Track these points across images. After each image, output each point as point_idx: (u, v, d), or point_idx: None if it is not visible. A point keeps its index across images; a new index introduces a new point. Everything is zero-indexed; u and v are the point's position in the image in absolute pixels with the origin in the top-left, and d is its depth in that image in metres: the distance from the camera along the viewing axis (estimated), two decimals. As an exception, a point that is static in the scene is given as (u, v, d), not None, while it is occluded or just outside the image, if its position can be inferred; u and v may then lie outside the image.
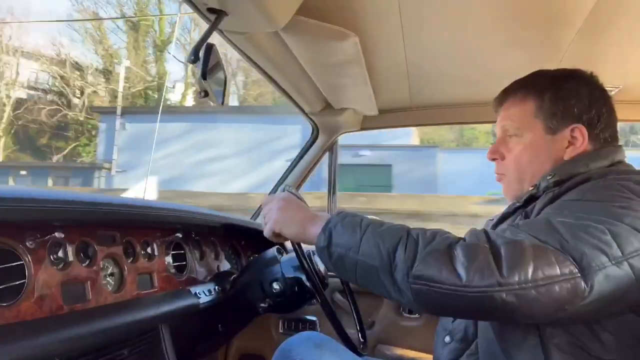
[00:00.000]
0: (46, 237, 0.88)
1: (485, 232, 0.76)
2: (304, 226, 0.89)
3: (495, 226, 1.02)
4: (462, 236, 0.78)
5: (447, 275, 0.71)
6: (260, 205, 1.98)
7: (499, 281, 0.68)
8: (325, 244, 0.83)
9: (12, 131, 18.59)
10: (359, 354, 1.11)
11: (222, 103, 1.10)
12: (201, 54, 0.96)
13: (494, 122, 1.09)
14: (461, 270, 0.70)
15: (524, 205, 0.95)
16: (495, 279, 0.68)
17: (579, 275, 0.69)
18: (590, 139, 0.93)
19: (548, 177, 0.90)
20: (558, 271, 0.69)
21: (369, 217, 0.86)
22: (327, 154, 1.97)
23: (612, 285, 0.70)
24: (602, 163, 0.90)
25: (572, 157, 0.93)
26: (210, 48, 0.97)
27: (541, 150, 0.96)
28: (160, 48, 20.00)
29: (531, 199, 0.93)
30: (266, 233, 0.95)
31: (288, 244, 1.48)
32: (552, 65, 1.04)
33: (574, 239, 0.71)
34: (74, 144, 19.35)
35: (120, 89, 17.84)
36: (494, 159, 1.04)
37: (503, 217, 1.00)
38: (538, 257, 0.69)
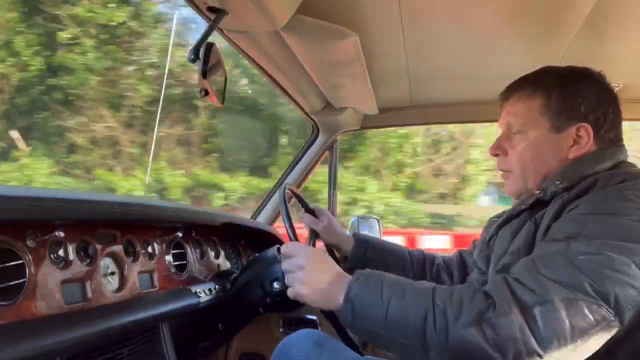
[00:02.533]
0: (47, 236, 0.88)
1: (509, 286, 0.74)
2: (327, 297, 0.87)
3: (499, 228, 1.01)
4: (484, 289, 0.77)
5: (484, 351, 0.70)
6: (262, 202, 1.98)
7: (537, 352, 0.69)
8: (351, 320, 0.82)
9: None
10: (360, 353, 1.11)
11: (222, 102, 1.10)
12: (201, 53, 0.96)
13: (496, 120, 1.08)
14: (498, 345, 0.70)
15: (530, 209, 0.94)
16: (533, 350, 0.69)
17: (613, 318, 0.70)
18: (595, 139, 0.93)
19: (556, 182, 0.89)
20: (593, 320, 0.69)
21: (389, 279, 0.83)
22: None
23: None
24: (607, 164, 0.89)
25: (577, 157, 0.92)
26: (210, 47, 0.97)
27: (545, 149, 0.95)
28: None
29: (537, 202, 0.93)
30: (290, 296, 0.93)
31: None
32: (552, 63, 1.04)
33: (601, 279, 0.70)
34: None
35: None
36: (496, 155, 1.04)
37: (507, 219, 0.99)
38: (572, 314, 0.69)
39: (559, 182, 0.89)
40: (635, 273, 0.71)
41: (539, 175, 0.96)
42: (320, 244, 1.38)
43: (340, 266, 1.31)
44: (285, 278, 0.93)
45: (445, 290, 0.78)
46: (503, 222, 1.01)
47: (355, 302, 0.81)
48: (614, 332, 0.70)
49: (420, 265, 1.32)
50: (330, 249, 1.41)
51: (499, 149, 1.02)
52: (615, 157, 0.91)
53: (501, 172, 1.04)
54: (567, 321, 0.69)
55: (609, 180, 0.83)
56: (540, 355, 0.68)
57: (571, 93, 0.94)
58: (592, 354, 0.74)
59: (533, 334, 0.69)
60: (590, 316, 0.69)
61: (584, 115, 0.93)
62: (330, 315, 1.02)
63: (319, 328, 1.73)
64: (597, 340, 0.70)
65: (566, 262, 0.73)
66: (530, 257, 0.80)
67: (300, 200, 1.36)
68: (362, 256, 1.31)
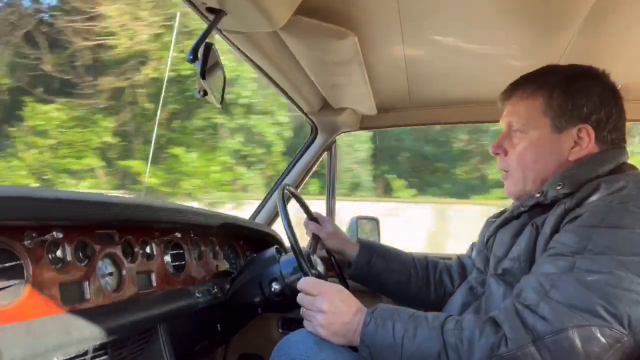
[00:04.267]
0: (44, 237, 0.88)
1: (518, 314, 0.74)
2: (346, 339, 0.88)
3: (497, 228, 1.01)
4: (493, 315, 0.77)
5: None
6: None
7: None
8: None
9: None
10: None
11: (221, 103, 1.10)
12: (200, 53, 0.96)
13: (495, 121, 1.08)
14: None
15: (530, 211, 0.93)
16: None
17: (626, 336, 0.69)
18: (597, 141, 0.92)
19: (557, 187, 0.88)
20: (606, 344, 0.69)
21: (400, 318, 0.84)
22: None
23: None
24: (608, 167, 0.89)
25: (578, 160, 0.92)
26: (209, 47, 0.97)
27: (546, 149, 0.94)
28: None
29: (537, 205, 0.92)
30: (306, 328, 0.94)
31: (286, 243, 1.47)
32: (552, 63, 1.04)
33: (613, 300, 0.70)
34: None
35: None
36: (496, 154, 1.03)
37: (507, 221, 0.99)
38: (585, 341, 0.69)
39: (559, 187, 0.88)
40: None
41: (539, 177, 0.95)
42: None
43: (342, 273, 1.32)
44: (302, 311, 0.95)
45: (455, 325, 0.78)
46: (502, 223, 1.01)
47: (371, 347, 0.83)
48: (628, 348, 0.70)
49: (424, 270, 1.32)
50: (332, 256, 1.41)
51: (499, 148, 1.02)
52: (616, 160, 0.90)
53: (501, 172, 1.04)
54: (581, 349, 0.68)
55: (610, 187, 0.82)
56: None
57: (574, 93, 0.93)
58: None
59: None
60: (604, 340, 0.69)
61: (587, 116, 0.92)
62: None
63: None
64: (611, 359, 0.70)
65: (575, 283, 0.73)
66: (536, 275, 0.79)
67: (303, 206, 1.36)
68: (366, 263, 1.31)
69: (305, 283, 0.96)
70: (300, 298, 0.96)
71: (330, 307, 0.90)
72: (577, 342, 0.69)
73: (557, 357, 0.69)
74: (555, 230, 0.84)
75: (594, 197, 0.83)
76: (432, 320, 0.81)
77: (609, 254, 0.73)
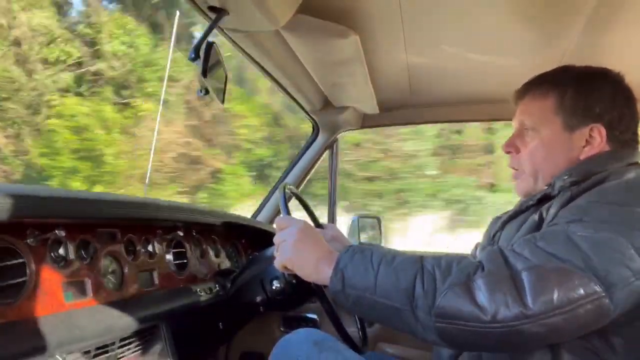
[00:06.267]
0: (47, 235, 0.88)
1: (502, 253, 0.74)
2: (317, 268, 0.86)
3: (504, 224, 1.01)
4: (478, 259, 0.76)
5: (470, 311, 0.69)
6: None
7: (524, 313, 0.67)
8: (339, 287, 0.80)
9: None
10: (359, 352, 1.11)
11: (223, 102, 1.10)
12: (201, 52, 0.96)
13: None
14: (484, 305, 0.69)
15: (537, 204, 0.94)
16: (520, 311, 0.68)
17: (604, 294, 0.68)
18: (609, 140, 0.92)
19: (565, 177, 0.88)
20: (582, 292, 0.68)
21: (379, 249, 0.83)
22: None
23: (635, 299, 0.70)
24: (618, 164, 0.88)
25: (589, 157, 0.92)
26: (210, 46, 0.97)
27: (557, 147, 0.94)
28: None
29: (545, 197, 0.92)
30: (277, 265, 0.93)
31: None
32: (553, 63, 1.04)
33: (596, 255, 0.69)
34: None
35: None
36: (508, 152, 1.04)
37: (514, 215, 0.99)
38: (561, 281, 0.68)
39: (567, 177, 0.88)
40: (632, 255, 0.70)
41: (549, 175, 0.95)
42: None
43: None
44: (275, 250, 0.93)
45: (434, 257, 0.78)
46: (509, 217, 1.01)
47: (345, 270, 0.81)
48: (605, 310, 0.69)
49: None
50: None
51: (511, 147, 1.02)
52: (626, 159, 0.90)
53: (512, 171, 1.04)
54: (555, 288, 0.68)
55: (620, 176, 0.83)
56: (526, 316, 0.67)
57: (586, 93, 0.93)
58: (586, 340, 0.74)
59: (520, 296, 0.68)
60: (580, 288, 0.68)
61: (599, 115, 0.92)
62: (328, 310, 1.03)
63: (320, 327, 1.73)
64: (588, 315, 0.68)
65: (564, 237, 0.73)
66: (531, 234, 0.80)
67: (307, 209, 1.36)
68: None
69: (279, 219, 0.96)
70: (275, 237, 0.95)
71: (302, 233, 0.89)
72: (553, 280, 0.68)
73: (532, 290, 0.68)
74: (559, 210, 0.84)
75: (601, 184, 0.83)
76: (413, 255, 0.82)
77: (605, 223, 0.73)
